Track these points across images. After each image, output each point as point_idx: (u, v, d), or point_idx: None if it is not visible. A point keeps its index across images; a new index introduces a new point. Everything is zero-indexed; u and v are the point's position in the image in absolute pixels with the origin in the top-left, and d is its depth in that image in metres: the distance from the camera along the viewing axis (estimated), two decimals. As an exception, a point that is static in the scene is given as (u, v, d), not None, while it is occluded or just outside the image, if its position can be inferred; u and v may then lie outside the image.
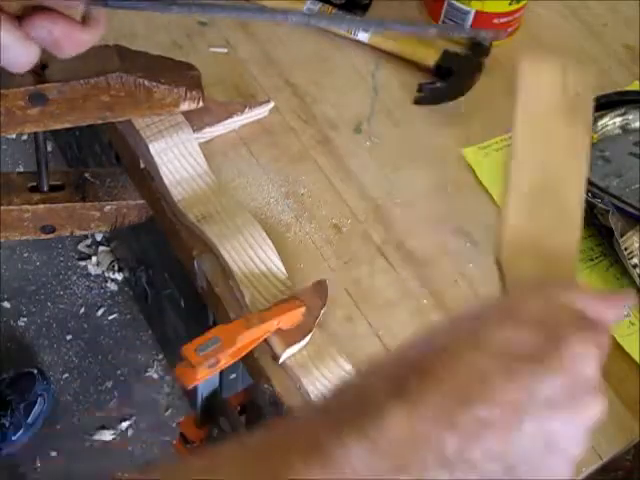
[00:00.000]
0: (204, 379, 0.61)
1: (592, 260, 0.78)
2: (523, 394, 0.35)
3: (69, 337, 1.64)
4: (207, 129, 0.78)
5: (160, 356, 1.63)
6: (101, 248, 1.76)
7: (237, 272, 0.68)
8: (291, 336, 0.65)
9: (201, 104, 0.74)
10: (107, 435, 1.53)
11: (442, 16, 0.93)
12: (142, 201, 0.82)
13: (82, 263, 1.74)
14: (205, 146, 0.78)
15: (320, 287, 0.69)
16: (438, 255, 0.76)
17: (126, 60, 0.70)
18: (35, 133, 0.74)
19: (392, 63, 0.90)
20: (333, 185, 0.79)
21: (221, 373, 0.74)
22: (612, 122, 0.88)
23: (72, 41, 0.49)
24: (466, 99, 0.88)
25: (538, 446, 0.35)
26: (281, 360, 0.65)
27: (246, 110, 0.81)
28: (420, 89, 0.87)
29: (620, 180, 0.84)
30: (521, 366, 0.35)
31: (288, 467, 0.33)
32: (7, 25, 0.46)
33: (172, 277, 1.18)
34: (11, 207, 0.77)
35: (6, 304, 1.66)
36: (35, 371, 1.52)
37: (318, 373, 0.65)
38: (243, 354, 0.63)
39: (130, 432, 1.54)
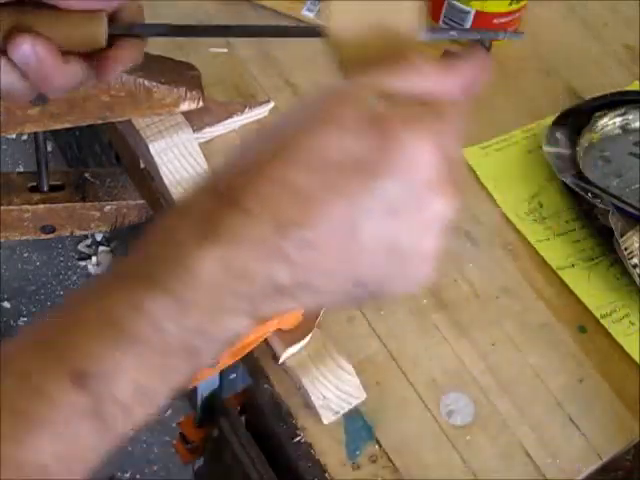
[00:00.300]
0: (204, 379, 0.61)
1: (592, 260, 0.78)
2: (351, 206, 0.31)
3: (69, 337, 1.64)
4: (207, 129, 0.78)
5: (160, 356, 1.63)
6: (101, 248, 1.76)
7: (237, 272, 0.68)
8: (291, 336, 0.65)
9: (201, 104, 0.74)
10: (107, 435, 1.52)
11: (442, 16, 0.93)
12: (142, 201, 0.82)
13: (82, 263, 1.74)
14: (205, 146, 0.77)
15: (320, 287, 0.69)
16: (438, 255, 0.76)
17: (126, 60, 0.70)
18: (35, 133, 0.74)
19: (392, 63, 0.90)
20: (333, 185, 0.79)
21: (221, 373, 0.74)
22: (612, 122, 0.88)
23: (57, 74, 0.44)
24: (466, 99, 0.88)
25: (380, 254, 0.32)
26: (281, 360, 0.65)
27: (246, 110, 0.81)
28: (420, 89, 0.87)
29: (620, 180, 0.84)
30: (345, 177, 0.31)
31: (77, 351, 0.29)
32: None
33: (172, 277, 1.18)
34: (11, 207, 0.77)
35: (6, 304, 1.66)
36: (35, 371, 1.52)
37: (318, 373, 0.65)
38: (243, 354, 0.63)
39: (130, 432, 1.54)
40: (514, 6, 0.92)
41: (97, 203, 0.80)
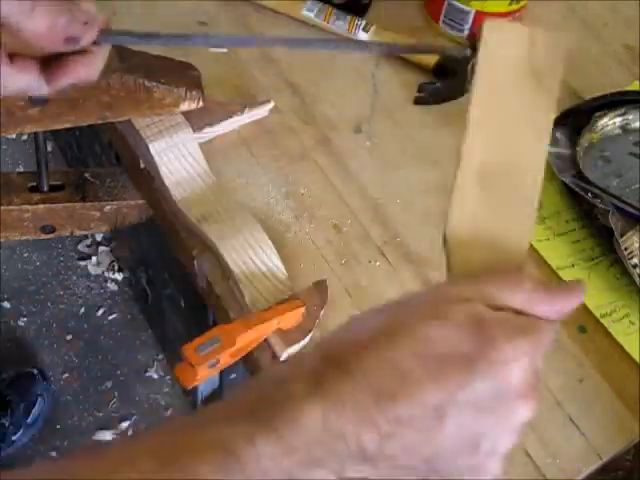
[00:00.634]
0: (204, 379, 0.61)
1: (592, 260, 0.78)
2: (444, 396, 0.34)
3: (69, 337, 1.64)
4: (207, 129, 0.78)
5: (160, 356, 1.63)
6: (101, 248, 1.76)
7: (237, 272, 0.68)
8: (291, 336, 0.65)
9: (201, 104, 0.74)
10: (107, 435, 1.53)
11: (442, 16, 0.93)
12: (142, 201, 0.82)
13: (82, 263, 1.74)
14: (205, 146, 0.77)
15: (320, 287, 0.69)
16: (438, 255, 0.76)
17: (126, 60, 0.70)
18: (35, 133, 0.74)
19: (392, 63, 0.90)
20: (333, 185, 0.79)
21: (221, 373, 0.74)
22: (612, 122, 0.88)
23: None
24: (466, 99, 0.88)
25: (460, 447, 0.35)
26: (281, 360, 0.65)
27: (246, 110, 0.81)
28: (420, 89, 0.87)
29: (620, 180, 0.84)
30: (445, 368, 0.34)
31: (193, 471, 0.32)
32: None
33: (172, 277, 1.18)
34: (11, 207, 0.77)
35: (6, 304, 1.66)
36: (35, 371, 1.52)
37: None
38: (243, 354, 0.63)
39: (130, 432, 1.54)
40: (514, 6, 0.92)
41: (97, 203, 0.80)
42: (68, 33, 0.42)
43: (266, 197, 0.77)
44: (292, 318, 0.65)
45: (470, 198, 0.41)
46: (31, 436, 1.49)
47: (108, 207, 0.81)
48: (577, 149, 0.83)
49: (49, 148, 1.66)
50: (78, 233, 0.83)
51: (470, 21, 0.92)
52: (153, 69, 0.72)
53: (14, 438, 1.46)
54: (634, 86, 0.94)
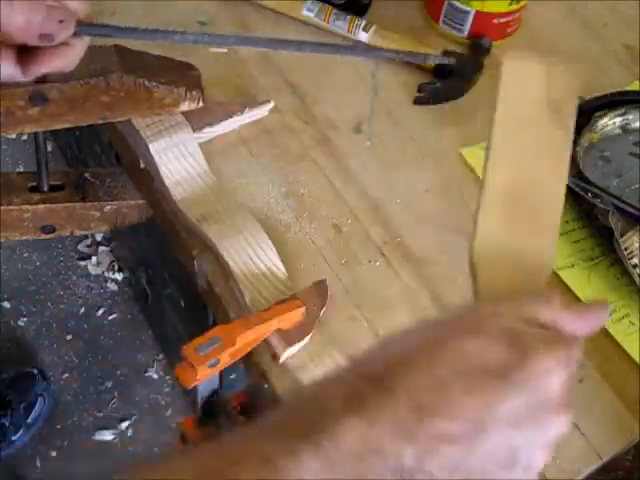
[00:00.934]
0: (204, 379, 0.61)
1: (592, 260, 0.78)
2: (484, 410, 0.34)
3: (69, 337, 1.64)
4: (207, 129, 0.78)
5: (160, 356, 1.63)
6: (101, 248, 1.76)
7: (237, 272, 0.68)
8: (291, 336, 0.65)
9: (201, 104, 0.74)
10: (107, 435, 1.53)
11: (442, 16, 0.93)
12: (142, 201, 0.82)
13: (82, 263, 1.74)
14: (205, 146, 0.77)
15: (320, 287, 0.69)
16: (438, 255, 0.76)
17: (126, 60, 0.70)
18: (35, 133, 0.74)
19: (392, 63, 0.90)
20: (333, 185, 0.79)
21: (221, 373, 0.74)
22: (612, 122, 0.88)
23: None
24: (466, 99, 0.88)
25: (498, 460, 0.35)
26: (281, 360, 0.65)
27: (246, 110, 0.81)
28: (420, 89, 0.87)
29: (620, 180, 0.84)
30: (483, 382, 0.35)
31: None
32: None
33: (172, 277, 1.18)
34: (11, 207, 0.77)
35: (6, 304, 1.66)
36: (35, 371, 1.52)
37: (318, 373, 0.65)
38: (243, 354, 0.63)
39: (130, 432, 1.54)
40: (514, 6, 0.92)
41: (97, 203, 0.80)
42: (43, 30, 0.44)
43: (266, 197, 0.77)
44: (292, 318, 0.65)
45: (494, 221, 0.44)
46: (31, 436, 1.49)
47: (108, 207, 0.81)
48: (577, 149, 0.83)
49: (49, 148, 1.66)
50: (78, 233, 0.83)
51: (470, 21, 0.92)
52: (153, 69, 0.71)
53: (14, 438, 1.46)
54: (634, 86, 0.94)
